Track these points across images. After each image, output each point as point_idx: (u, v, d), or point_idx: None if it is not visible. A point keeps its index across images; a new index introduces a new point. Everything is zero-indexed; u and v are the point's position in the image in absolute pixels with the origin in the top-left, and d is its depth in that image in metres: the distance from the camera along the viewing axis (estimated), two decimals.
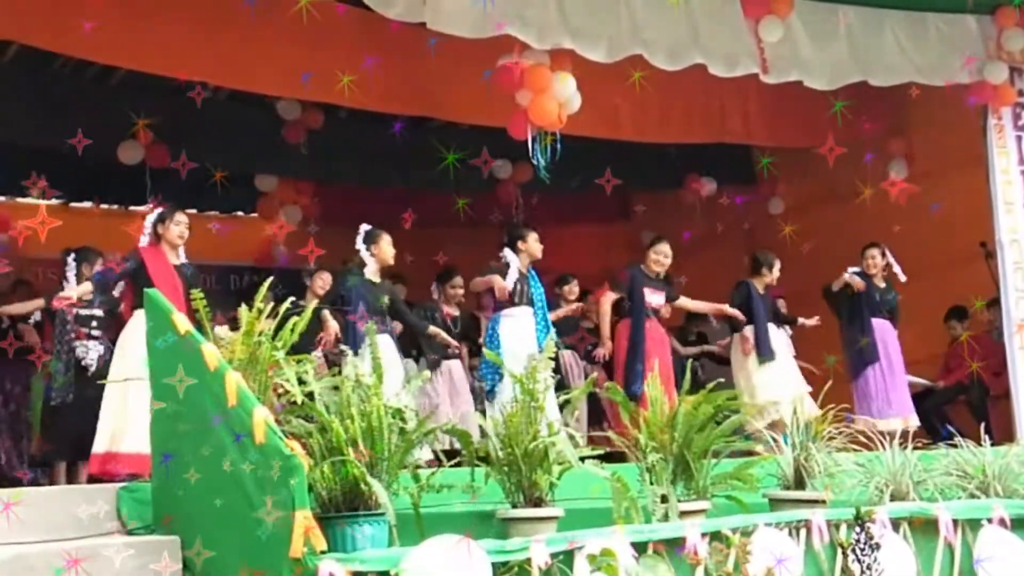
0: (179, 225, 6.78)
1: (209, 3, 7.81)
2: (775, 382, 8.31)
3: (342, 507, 4.37)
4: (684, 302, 8.61)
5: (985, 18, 8.87)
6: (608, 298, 8.24)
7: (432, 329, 7.80)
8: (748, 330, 8.61)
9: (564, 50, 7.34)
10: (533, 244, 7.68)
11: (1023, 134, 9.01)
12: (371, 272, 7.43)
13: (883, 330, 8.90)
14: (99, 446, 6.33)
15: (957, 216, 9.71)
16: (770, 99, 9.56)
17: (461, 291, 8.67)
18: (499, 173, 11.23)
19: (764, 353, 8.48)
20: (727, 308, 8.56)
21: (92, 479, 6.49)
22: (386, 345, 6.79)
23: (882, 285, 9.02)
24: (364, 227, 7.52)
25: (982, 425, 6.99)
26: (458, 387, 8.35)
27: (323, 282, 8.29)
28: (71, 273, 7.47)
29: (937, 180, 10.08)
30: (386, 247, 7.45)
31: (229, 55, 8.00)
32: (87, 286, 6.92)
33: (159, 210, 6.86)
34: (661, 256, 8.22)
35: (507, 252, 7.64)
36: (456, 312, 8.71)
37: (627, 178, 11.74)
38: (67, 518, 4.94)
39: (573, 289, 9.32)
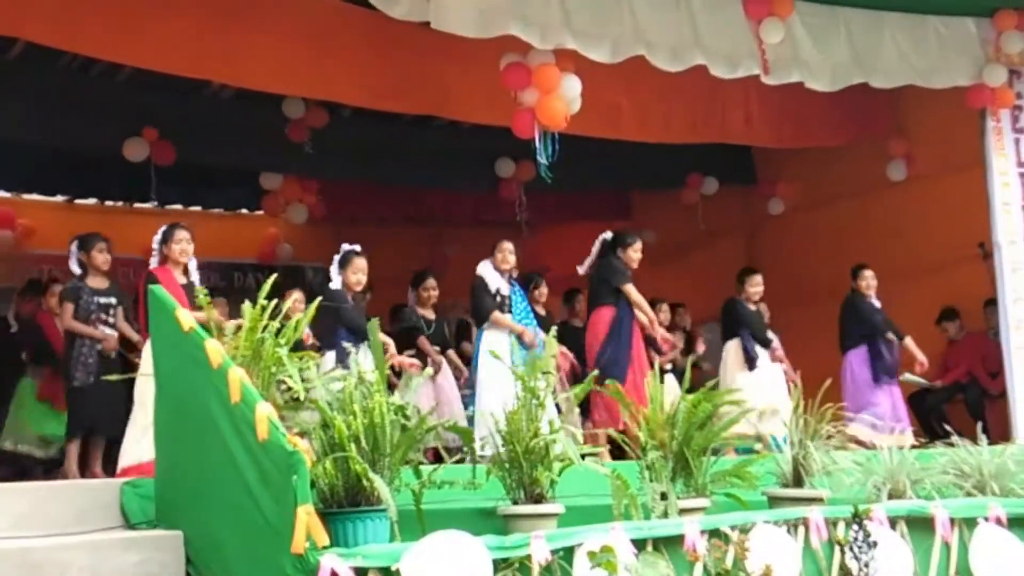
0: (179, 243, 6.78)
1: (214, 1, 7.86)
2: (750, 391, 8.27)
3: (344, 503, 4.39)
4: (630, 290, 8.09)
5: (984, 21, 8.87)
6: (603, 315, 8.05)
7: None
8: (735, 342, 8.71)
9: (567, 50, 7.37)
10: (498, 255, 7.69)
11: (1021, 136, 9.00)
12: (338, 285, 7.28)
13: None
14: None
15: (955, 217, 9.75)
16: (771, 100, 9.59)
17: (435, 292, 8.50)
18: (502, 172, 11.27)
19: (750, 364, 8.58)
20: (659, 330, 8.24)
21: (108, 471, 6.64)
22: None
23: (878, 304, 9.04)
24: (344, 247, 7.38)
25: (979, 424, 7.03)
26: (449, 396, 8.10)
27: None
28: (73, 261, 7.51)
29: (936, 181, 10.13)
30: (350, 274, 7.25)
31: (234, 53, 8.02)
32: (116, 332, 7.24)
33: (163, 229, 6.91)
34: (639, 253, 8.20)
35: (481, 266, 7.69)
36: (432, 315, 8.46)
37: (628, 177, 11.83)
38: (71, 513, 4.97)
39: (543, 291, 9.07)
